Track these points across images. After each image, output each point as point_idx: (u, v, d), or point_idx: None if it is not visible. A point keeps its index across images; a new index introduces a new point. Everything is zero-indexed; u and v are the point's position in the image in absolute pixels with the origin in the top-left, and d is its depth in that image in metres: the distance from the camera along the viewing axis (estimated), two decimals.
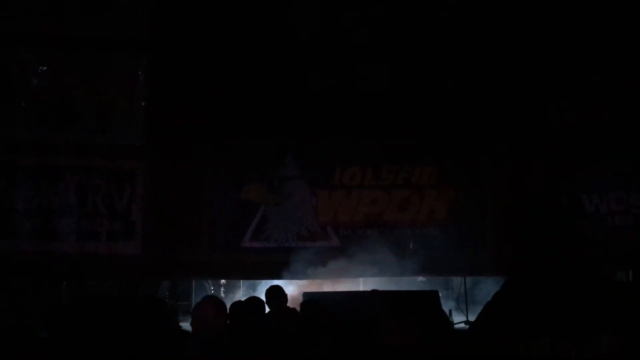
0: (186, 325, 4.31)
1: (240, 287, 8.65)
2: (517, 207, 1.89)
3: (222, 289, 8.73)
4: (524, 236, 1.81)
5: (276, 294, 4.73)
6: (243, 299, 6.85)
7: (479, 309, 1.86)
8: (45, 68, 7.40)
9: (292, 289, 7.04)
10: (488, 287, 7.26)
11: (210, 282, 8.48)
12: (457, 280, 8.29)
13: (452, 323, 5.53)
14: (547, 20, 7.46)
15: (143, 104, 7.51)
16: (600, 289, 1.71)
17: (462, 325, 6.87)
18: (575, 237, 1.77)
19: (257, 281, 8.08)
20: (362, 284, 7.91)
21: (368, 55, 7.67)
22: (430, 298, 6.29)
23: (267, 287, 5.10)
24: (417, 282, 8.30)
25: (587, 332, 1.62)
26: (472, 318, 6.83)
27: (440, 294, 6.89)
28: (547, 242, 1.76)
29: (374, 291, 5.56)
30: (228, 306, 5.23)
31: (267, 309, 4.74)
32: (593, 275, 1.74)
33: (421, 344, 2.96)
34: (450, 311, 6.73)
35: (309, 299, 4.62)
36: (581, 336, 1.62)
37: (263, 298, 4.72)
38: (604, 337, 1.62)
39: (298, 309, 4.92)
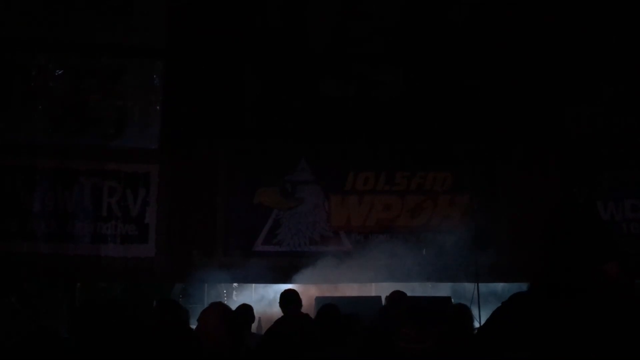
0: None
1: (252, 290, 8.66)
2: (552, 217, 1.85)
3: (234, 292, 8.76)
4: (555, 246, 1.77)
5: (291, 298, 4.73)
6: (254, 301, 6.94)
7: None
8: (61, 72, 7.48)
9: (304, 293, 7.05)
10: (503, 294, 7.23)
11: (222, 284, 8.50)
12: (469, 287, 8.25)
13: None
14: (563, 26, 7.45)
15: (158, 108, 7.57)
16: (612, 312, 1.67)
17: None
18: (609, 251, 1.74)
19: (269, 284, 8.09)
20: (374, 289, 7.91)
21: (382, 62, 7.70)
22: (443, 304, 6.26)
23: (282, 290, 5.11)
24: (428, 288, 8.26)
25: (574, 350, 1.59)
26: None
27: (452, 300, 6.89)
28: (579, 255, 1.73)
29: (396, 292, 5.57)
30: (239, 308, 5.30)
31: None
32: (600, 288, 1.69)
33: (438, 350, 2.97)
34: None
35: (326, 304, 4.62)
36: (566, 354, 1.59)
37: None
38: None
39: (308, 312, 4.95)
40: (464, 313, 4.46)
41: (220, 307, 3.45)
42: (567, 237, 1.75)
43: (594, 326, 1.60)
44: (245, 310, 5.21)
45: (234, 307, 6.39)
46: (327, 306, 4.31)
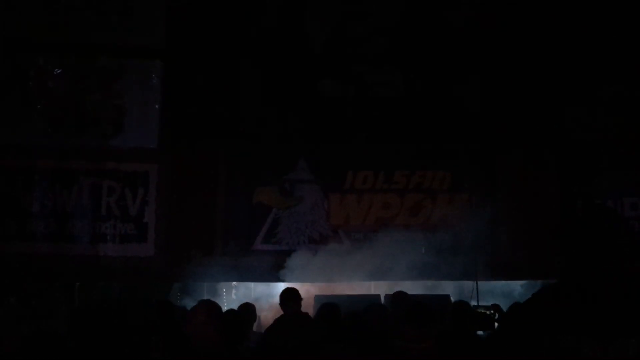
0: None
1: (252, 288, 8.66)
2: (570, 215, 1.88)
3: (233, 290, 8.75)
4: (574, 242, 1.80)
5: (291, 297, 4.73)
6: (253, 300, 6.93)
7: None
8: (60, 71, 7.47)
9: (303, 291, 7.04)
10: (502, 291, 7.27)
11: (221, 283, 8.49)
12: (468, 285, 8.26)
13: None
14: (563, 28, 7.47)
15: (157, 107, 7.56)
16: (632, 294, 1.70)
17: None
18: (619, 247, 1.77)
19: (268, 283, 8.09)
20: (373, 287, 7.91)
21: (381, 62, 7.71)
22: (442, 302, 6.27)
23: (281, 289, 5.11)
24: (428, 286, 8.27)
25: (614, 333, 1.62)
26: None
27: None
28: (595, 250, 1.75)
29: (399, 292, 5.58)
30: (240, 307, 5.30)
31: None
32: (627, 280, 1.73)
33: (439, 349, 2.96)
34: None
35: (326, 302, 4.62)
36: (608, 337, 1.62)
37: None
38: (631, 342, 1.61)
39: (307, 311, 4.95)
40: (464, 310, 4.47)
41: (207, 305, 3.43)
42: (589, 237, 1.78)
43: (622, 323, 1.63)
44: (247, 309, 5.21)
45: (234, 305, 6.41)
46: (327, 305, 4.32)
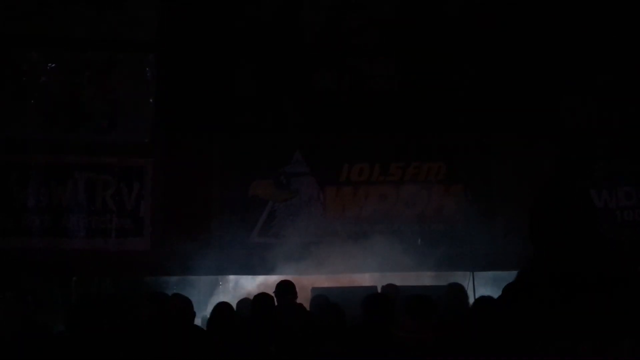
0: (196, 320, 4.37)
1: (248, 281, 8.67)
2: (543, 202, 1.76)
3: (229, 284, 8.77)
4: (549, 231, 1.71)
5: (286, 289, 4.75)
6: (252, 294, 6.93)
7: None
8: (53, 65, 7.44)
9: (300, 284, 7.05)
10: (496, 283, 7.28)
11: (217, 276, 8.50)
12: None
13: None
14: (559, 17, 7.47)
15: (151, 101, 7.55)
16: (622, 291, 1.61)
17: None
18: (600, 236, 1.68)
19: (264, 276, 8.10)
20: (369, 279, 7.92)
21: (376, 53, 7.70)
22: (439, 293, 6.28)
23: (277, 281, 5.12)
24: (425, 278, 8.29)
25: (609, 335, 1.55)
26: None
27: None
28: (573, 238, 1.67)
29: (389, 285, 5.59)
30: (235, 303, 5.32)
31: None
32: (614, 275, 1.65)
33: (439, 341, 2.95)
34: None
35: (318, 294, 4.63)
36: (603, 340, 1.54)
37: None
38: (627, 342, 1.54)
39: (304, 303, 4.96)
40: (459, 292, 4.49)
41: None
42: (560, 223, 1.67)
43: (595, 319, 1.55)
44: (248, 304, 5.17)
45: (230, 298, 6.41)
46: (319, 297, 4.32)
